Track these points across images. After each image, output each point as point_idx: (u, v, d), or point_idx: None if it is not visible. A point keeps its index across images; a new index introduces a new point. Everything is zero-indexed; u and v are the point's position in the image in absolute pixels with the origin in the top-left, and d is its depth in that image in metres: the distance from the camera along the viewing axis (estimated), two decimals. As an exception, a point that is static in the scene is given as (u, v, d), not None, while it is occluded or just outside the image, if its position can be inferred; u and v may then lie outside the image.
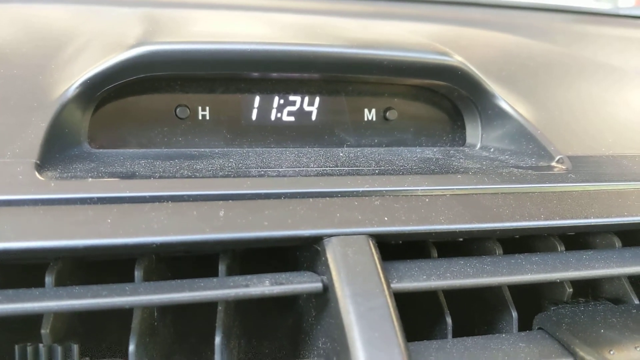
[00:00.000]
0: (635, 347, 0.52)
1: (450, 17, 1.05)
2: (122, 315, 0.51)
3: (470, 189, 0.62)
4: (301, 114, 0.79)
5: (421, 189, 0.60)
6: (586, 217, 0.62)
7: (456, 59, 0.76)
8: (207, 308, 0.53)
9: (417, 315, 0.63)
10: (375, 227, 0.55)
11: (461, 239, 0.66)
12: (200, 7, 0.89)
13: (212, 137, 0.76)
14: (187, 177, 0.57)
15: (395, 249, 0.62)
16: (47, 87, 0.63)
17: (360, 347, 0.45)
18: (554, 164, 0.71)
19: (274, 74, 0.75)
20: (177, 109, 0.74)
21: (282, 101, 0.78)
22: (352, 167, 0.67)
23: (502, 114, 0.78)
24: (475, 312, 0.64)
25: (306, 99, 0.79)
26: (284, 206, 0.55)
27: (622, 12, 1.48)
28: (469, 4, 1.17)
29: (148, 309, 0.53)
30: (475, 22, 1.06)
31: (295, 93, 0.78)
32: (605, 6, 1.64)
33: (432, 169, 0.68)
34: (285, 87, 0.78)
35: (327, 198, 0.57)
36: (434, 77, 0.78)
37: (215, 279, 0.51)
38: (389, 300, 0.49)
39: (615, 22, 1.39)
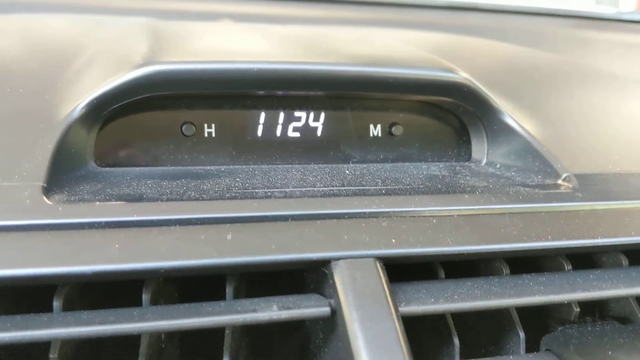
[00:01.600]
0: (643, 369, 0.52)
1: (454, 25, 1.05)
2: (130, 337, 0.51)
3: (478, 209, 0.62)
4: (306, 129, 0.79)
5: (428, 210, 0.60)
6: (593, 237, 0.62)
7: (462, 76, 0.76)
8: (215, 329, 0.53)
9: (424, 336, 0.63)
10: (383, 249, 0.55)
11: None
12: (206, 19, 0.90)
13: (218, 154, 0.75)
14: (194, 200, 0.57)
15: (401, 266, 0.62)
16: (52, 108, 0.63)
17: (369, 373, 0.45)
18: (560, 182, 0.71)
19: (280, 92, 0.75)
20: (183, 127, 0.74)
21: (287, 117, 0.78)
22: (358, 186, 0.67)
23: (508, 130, 0.78)
24: (482, 332, 0.64)
25: (311, 114, 0.79)
26: (292, 229, 0.55)
27: (625, 17, 1.48)
28: (471, 9, 1.17)
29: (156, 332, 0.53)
30: (479, 30, 1.06)
31: (300, 109, 0.78)
32: (608, 11, 1.64)
33: (438, 188, 0.67)
34: (291, 103, 0.78)
35: (335, 220, 0.57)
36: (439, 94, 0.78)
37: (222, 303, 0.51)
38: (397, 324, 0.49)
39: (619, 27, 1.39)
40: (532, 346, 0.60)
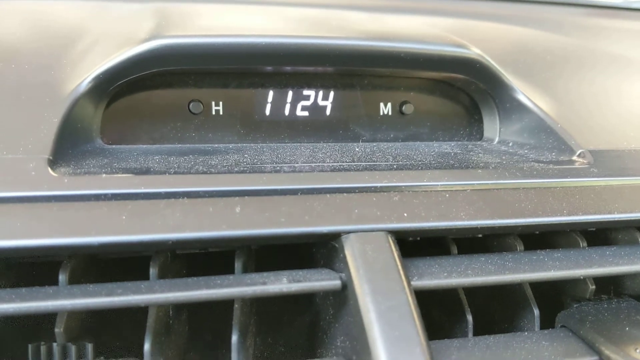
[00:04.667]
0: (661, 345, 0.51)
1: (466, 11, 1.03)
2: (137, 313, 0.50)
3: (491, 184, 0.61)
4: (315, 108, 0.78)
5: (441, 184, 0.59)
6: (609, 213, 0.61)
7: (474, 52, 0.75)
8: (223, 305, 0.52)
9: (437, 311, 0.62)
10: (395, 223, 0.54)
11: (481, 235, 0.65)
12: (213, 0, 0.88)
13: (226, 133, 0.75)
14: (202, 173, 0.56)
15: (413, 244, 0.61)
16: (59, 83, 0.62)
17: (381, 346, 0.44)
18: (575, 158, 0.70)
19: (288, 68, 0.74)
20: (191, 104, 0.73)
21: (296, 96, 0.77)
22: (368, 162, 0.66)
23: (520, 108, 0.76)
24: (496, 309, 0.63)
25: (320, 93, 0.78)
26: (301, 202, 0.54)
27: (634, 5, 1.46)
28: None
29: (163, 307, 0.52)
30: (490, 16, 1.05)
31: (309, 87, 0.77)
32: (617, 0, 1.62)
33: (451, 164, 0.66)
34: (299, 81, 0.77)
35: (345, 194, 0.56)
36: (451, 70, 0.76)
37: (231, 277, 0.50)
38: (409, 298, 0.48)
39: (628, 15, 1.37)
40: (547, 325, 0.59)
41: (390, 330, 0.45)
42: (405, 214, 0.55)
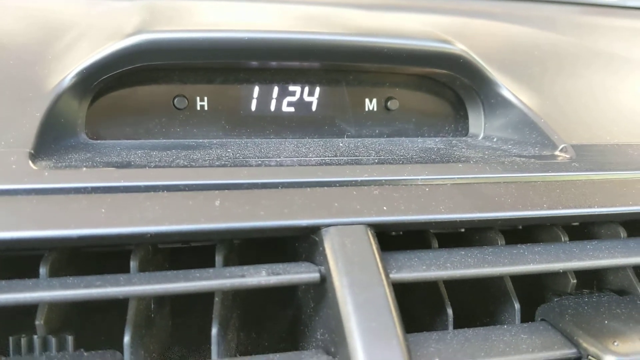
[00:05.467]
0: (640, 338, 0.51)
1: (451, 7, 1.04)
2: (119, 306, 0.50)
3: (472, 178, 0.61)
4: (301, 104, 0.78)
5: (421, 178, 0.59)
6: (590, 207, 0.61)
7: (458, 47, 0.75)
8: (205, 299, 0.52)
9: (418, 306, 0.62)
10: (374, 216, 0.54)
11: (462, 230, 0.65)
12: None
13: (211, 128, 0.75)
14: (182, 167, 0.57)
15: (395, 239, 0.61)
16: (42, 77, 0.63)
17: (358, 338, 0.44)
18: (557, 152, 0.70)
19: (273, 64, 0.74)
20: (175, 99, 0.73)
21: (281, 91, 0.77)
22: (351, 156, 0.66)
23: (505, 103, 0.77)
24: (477, 303, 0.63)
25: (306, 89, 0.78)
26: (281, 196, 0.54)
27: (627, 3, 1.46)
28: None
29: (144, 300, 0.53)
30: (478, 13, 1.05)
31: (295, 83, 0.77)
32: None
33: (433, 159, 0.67)
34: (285, 77, 0.77)
35: (325, 188, 0.56)
36: (435, 66, 0.77)
37: (211, 270, 0.50)
38: (387, 290, 0.48)
39: (620, 13, 1.37)
40: (528, 319, 0.59)
41: (368, 322, 0.45)
42: (384, 208, 0.55)
